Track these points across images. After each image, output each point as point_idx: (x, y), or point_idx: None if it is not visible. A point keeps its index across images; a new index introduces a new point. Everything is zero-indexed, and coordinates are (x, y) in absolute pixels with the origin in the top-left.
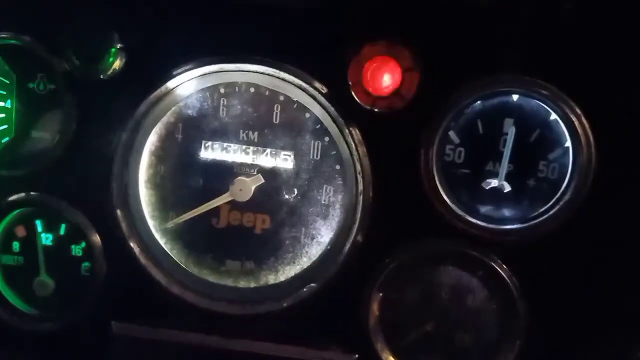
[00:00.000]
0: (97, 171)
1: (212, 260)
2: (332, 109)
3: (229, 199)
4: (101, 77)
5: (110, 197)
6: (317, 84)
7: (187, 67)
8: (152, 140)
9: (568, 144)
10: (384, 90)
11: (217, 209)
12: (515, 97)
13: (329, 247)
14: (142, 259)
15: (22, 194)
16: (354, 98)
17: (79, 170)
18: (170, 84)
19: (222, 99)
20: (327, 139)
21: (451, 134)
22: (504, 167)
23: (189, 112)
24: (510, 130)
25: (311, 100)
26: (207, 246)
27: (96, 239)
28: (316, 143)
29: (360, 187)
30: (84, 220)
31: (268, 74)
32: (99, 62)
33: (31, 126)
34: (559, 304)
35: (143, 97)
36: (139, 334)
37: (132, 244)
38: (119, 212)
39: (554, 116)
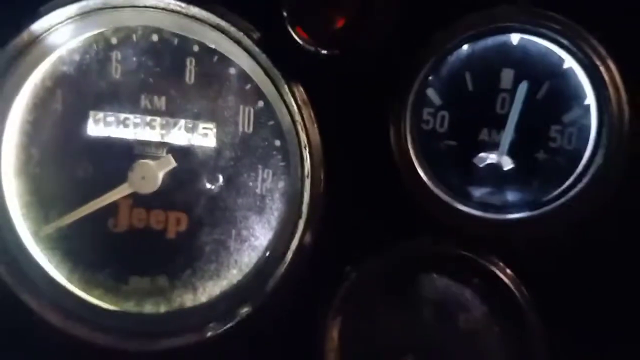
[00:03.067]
0: None
1: (108, 277)
2: (264, 59)
3: (129, 191)
4: None
5: None
6: (244, 24)
7: (58, 2)
8: (19, 113)
9: (589, 100)
10: (334, 25)
11: (114, 207)
12: (515, 38)
13: (266, 252)
14: (8, 278)
15: None
16: (294, 38)
17: None
18: (37, 27)
19: (113, 52)
20: (260, 103)
21: (430, 92)
22: (507, 136)
23: (68, 70)
24: (521, 87)
25: (236, 48)
26: (102, 258)
27: None
28: (246, 109)
29: (307, 167)
30: None
31: (173, 11)
32: None
33: None
34: (582, 320)
35: (7, 38)
36: None
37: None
38: None
39: (569, 63)
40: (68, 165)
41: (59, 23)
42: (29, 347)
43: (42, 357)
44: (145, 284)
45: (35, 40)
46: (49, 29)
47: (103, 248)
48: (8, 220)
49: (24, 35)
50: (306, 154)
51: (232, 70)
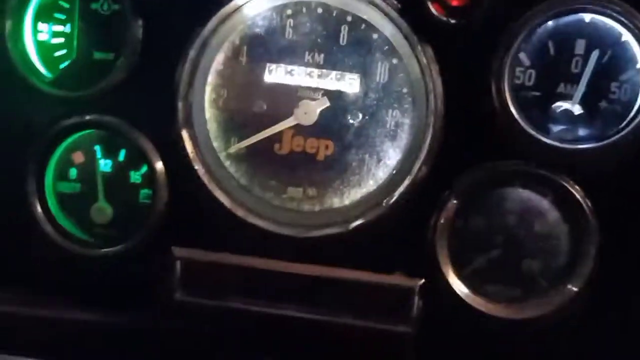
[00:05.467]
0: (161, 92)
1: (275, 186)
2: (404, 25)
3: (293, 122)
4: None
5: (176, 118)
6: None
7: None
8: (218, 61)
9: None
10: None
11: (280, 135)
12: (587, 17)
13: (396, 169)
14: (207, 182)
15: (82, 117)
16: (430, 10)
17: (143, 91)
18: (240, 0)
19: (289, 20)
20: (395, 60)
21: (522, 55)
22: (581, 89)
23: (255, 32)
24: (593, 54)
25: (382, 18)
26: (270, 172)
27: (159, 162)
28: (384, 64)
29: (432, 106)
30: (146, 144)
31: None
32: None
33: (93, 48)
34: (634, 227)
35: (212, 13)
36: (201, 257)
37: (196, 166)
38: (184, 132)
39: (626, 37)
40: (248, 103)
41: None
42: (220, 237)
43: (229, 245)
44: (299, 194)
45: (237, 9)
46: (247, 2)
47: (271, 165)
48: (206, 139)
49: (231, 5)
50: (432, 97)
51: (376, 35)
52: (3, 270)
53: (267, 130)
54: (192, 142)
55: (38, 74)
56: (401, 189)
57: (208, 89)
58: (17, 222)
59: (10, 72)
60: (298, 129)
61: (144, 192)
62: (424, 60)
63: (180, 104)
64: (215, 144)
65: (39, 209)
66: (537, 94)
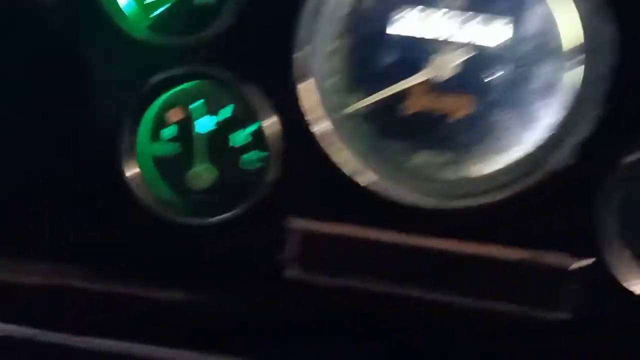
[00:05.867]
0: (277, 37)
1: (403, 149)
2: None
3: (426, 76)
4: None
5: (291, 69)
6: None
7: None
8: (345, 2)
9: None
10: None
11: (407, 92)
12: None
13: (554, 130)
14: (330, 142)
15: (182, 68)
16: None
17: (253, 38)
18: None
19: None
20: (556, 3)
21: None
22: None
23: None
24: None
25: None
26: (397, 134)
27: (272, 119)
28: (543, 8)
29: (603, 57)
30: (256, 98)
31: None
32: None
33: None
34: None
35: None
36: (321, 230)
37: (315, 126)
38: (302, 86)
39: None
40: (374, 53)
41: None
42: (341, 206)
43: (352, 215)
44: (431, 159)
45: None
46: None
47: (396, 126)
48: (327, 93)
49: None
50: (602, 48)
51: None
52: (92, 242)
53: (393, 87)
54: (311, 96)
55: (131, 20)
56: (560, 153)
57: (330, 37)
58: (107, 188)
59: (99, 18)
60: (430, 84)
61: (253, 153)
62: (593, 3)
63: (300, 53)
64: (336, 100)
65: (131, 171)
66: None
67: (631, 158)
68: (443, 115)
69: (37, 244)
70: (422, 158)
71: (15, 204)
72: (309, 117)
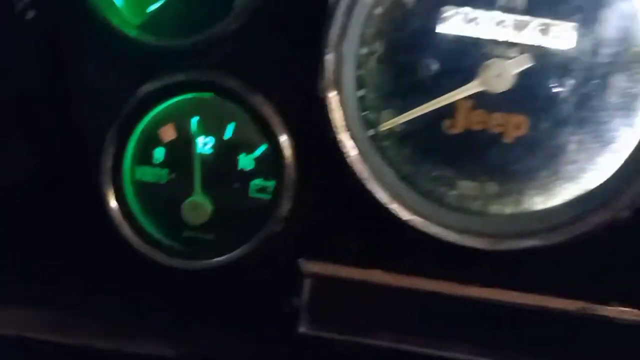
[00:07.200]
0: (297, 41)
1: (446, 177)
2: None
3: (477, 89)
4: None
5: (314, 78)
6: None
7: None
8: (377, 2)
9: None
10: None
11: (453, 107)
12: None
13: (631, 157)
14: (359, 168)
15: (177, 76)
16: None
17: (268, 41)
18: None
19: None
20: (632, 3)
21: None
22: None
23: None
24: None
25: None
26: (437, 158)
27: (285, 139)
28: (616, 9)
29: None
30: (267, 112)
31: None
32: None
33: None
34: None
35: None
36: (339, 274)
37: (343, 146)
38: (331, 96)
39: None
40: (413, 61)
41: None
42: (369, 246)
43: (381, 256)
44: (474, 189)
45: None
46: None
47: (437, 149)
48: (355, 107)
49: None
50: None
51: None
52: (75, 280)
53: (437, 100)
54: (336, 114)
55: (122, 15)
56: (637, 185)
57: (361, 40)
58: (88, 220)
59: (89, 14)
60: (480, 99)
61: (257, 182)
62: None
63: (328, 58)
64: (366, 118)
65: (113, 202)
66: None
67: None
68: (496, 136)
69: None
70: (470, 188)
71: None
72: (331, 137)
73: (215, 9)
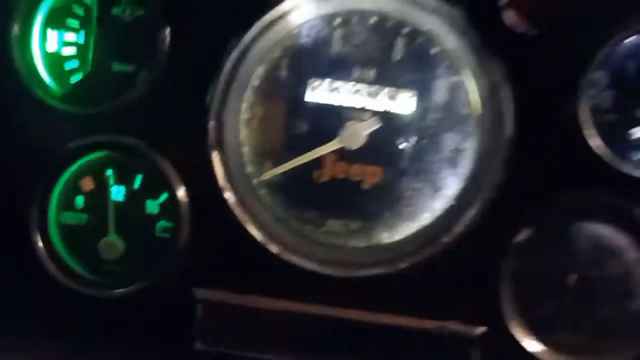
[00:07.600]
0: (188, 110)
1: (314, 218)
2: (473, 37)
3: (338, 145)
4: None
5: (205, 140)
6: (458, 6)
7: None
8: (256, 75)
9: None
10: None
11: (320, 160)
12: None
13: (456, 200)
14: (238, 213)
15: (94, 137)
16: (504, 20)
17: (166, 109)
18: (287, 5)
19: (337, 30)
20: (457, 77)
21: (600, 74)
22: None
23: (298, 43)
24: None
25: (444, 29)
26: (309, 202)
27: (181, 190)
28: (445, 81)
29: (501, 129)
30: (167, 168)
31: None
32: None
33: (112, 59)
34: None
35: (252, 21)
36: (227, 300)
37: (227, 195)
38: (215, 155)
39: None
40: (287, 123)
41: (299, 5)
42: (250, 277)
43: (261, 286)
44: (341, 227)
45: (283, 15)
46: (294, 7)
47: (309, 195)
48: (240, 163)
49: (277, 9)
50: (500, 120)
51: (436, 49)
52: (3, 312)
53: (307, 155)
54: (223, 167)
55: (46, 88)
56: (461, 223)
57: (243, 107)
58: (17, 258)
59: (15, 84)
60: (342, 153)
61: (162, 224)
62: (494, 77)
63: (212, 123)
64: (248, 170)
65: (40, 242)
66: (616, 116)
67: (521, 236)
68: (356, 184)
69: None
70: (334, 226)
71: None
72: (221, 186)
73: (124, 81)
